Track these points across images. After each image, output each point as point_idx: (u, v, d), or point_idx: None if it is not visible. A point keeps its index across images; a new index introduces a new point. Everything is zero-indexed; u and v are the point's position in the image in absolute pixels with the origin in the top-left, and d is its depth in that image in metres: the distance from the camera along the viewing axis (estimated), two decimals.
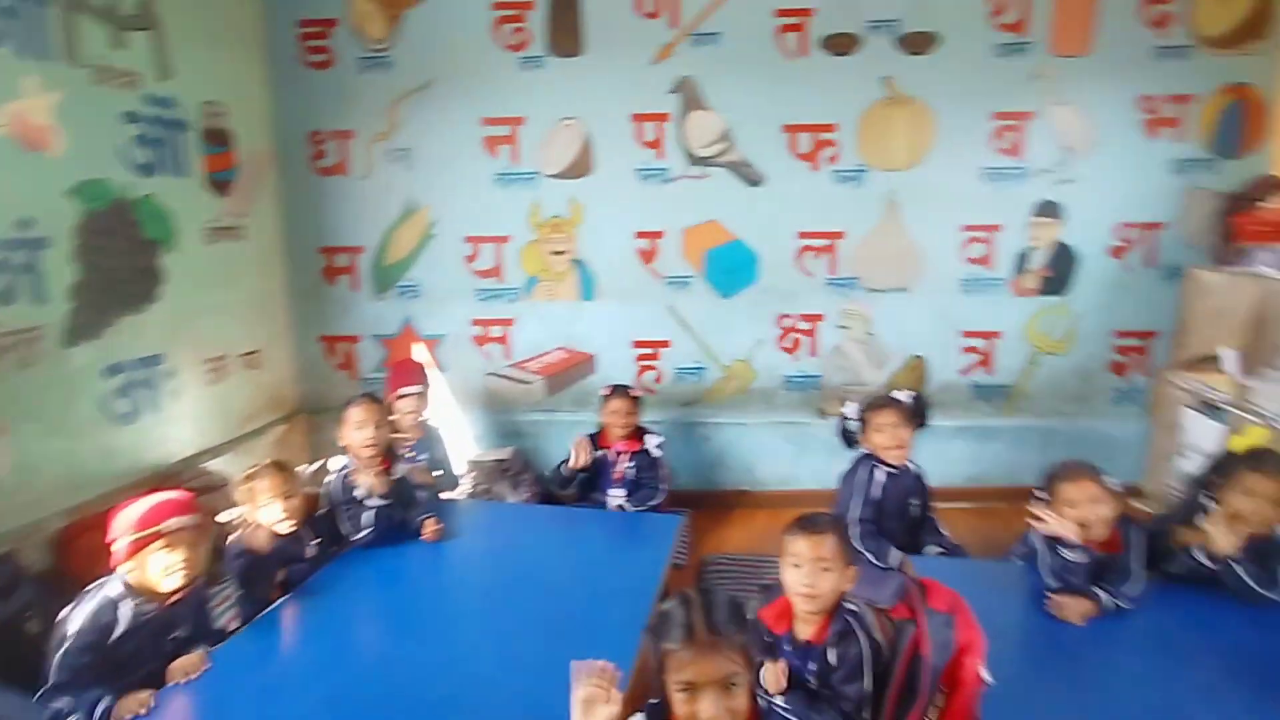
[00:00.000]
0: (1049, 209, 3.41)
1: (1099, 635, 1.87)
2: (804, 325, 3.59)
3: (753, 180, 3.49)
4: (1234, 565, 1.96)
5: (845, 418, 2.72)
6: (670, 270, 3.60)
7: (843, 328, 3.58)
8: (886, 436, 2.62)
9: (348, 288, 3.71)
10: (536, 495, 3.52)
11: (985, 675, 1.58)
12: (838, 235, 3.50)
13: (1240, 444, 2.12)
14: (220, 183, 3.22)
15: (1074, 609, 1.92)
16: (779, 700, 1.63)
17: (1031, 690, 1.71)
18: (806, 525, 1.71)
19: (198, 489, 2.64)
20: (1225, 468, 2.09)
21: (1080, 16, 3.23)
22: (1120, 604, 1.92)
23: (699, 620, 1.18)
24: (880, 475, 2.62)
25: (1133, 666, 1.79)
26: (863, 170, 3.43)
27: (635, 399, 3.12)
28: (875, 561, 2.50)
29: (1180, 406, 3.27)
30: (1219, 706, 1.62)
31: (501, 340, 3.75)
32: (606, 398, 3.12)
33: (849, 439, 2.72)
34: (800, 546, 1.68)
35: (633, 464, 3.08)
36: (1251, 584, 1.95)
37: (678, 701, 1.17)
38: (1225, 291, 3.04)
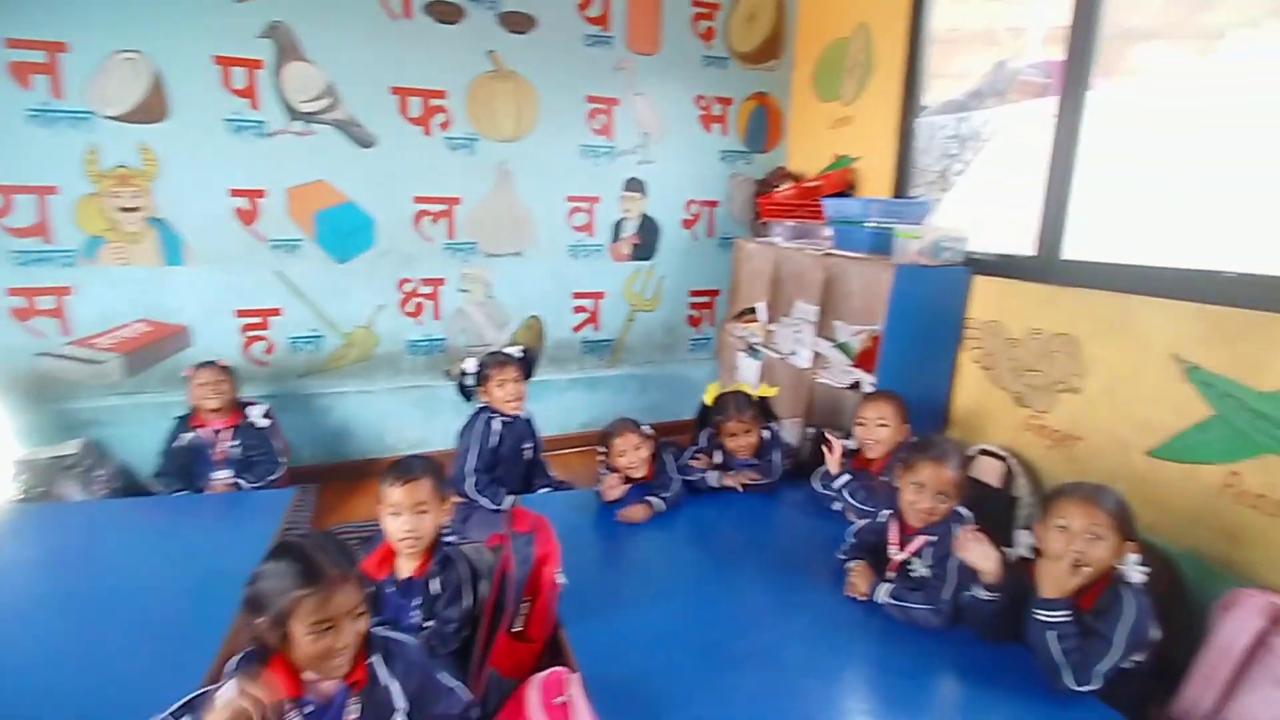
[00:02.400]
0: (635, 185, 3.96)
1: (651, 531, 2.38)
2: (425, 289, 3.66)
3: (364, 141, 3.40)
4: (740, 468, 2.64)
5: (464, 373, 2.88)
6: (276, 232, 3.35)
7: (464, 290, 3.73)
8: (505, 390, 2.84)
9: None
10: (118, 491, 3.04)
11: (559, 579, 1.88)
12: (454, 200, 3.61)
13: (710, 395, 2.79)
14: None
15: (634, 514, 2.43)
16: None
17: (602, 582, 2.07)
18: (401, 474, 1.81)
19: None
20: (706, 416, 2.77)
21: (649, 21, 3.78)
22: (665, 503, 2.50)
23: (325, 560, 1.23)
24: (497, 425, 2.84)
25: (674, 549, 2.29)
26: (474, 139, 3.58)
27: (225, 369, 2.90)
28: (491, 506, 2.73)
29: (736, 351, 4.13)
30: (727, 570, 2.17)
31: (55, 313, 3.11)
32: (190, 376, 2.86)
33: (467, 393, 2.89)
34: (397, 496, 1.78)
35: (236, 441, 2.86)
36: (759, 477, 2.64)
37: (308, 642, 1.22)
38: (758, 257, 3.89)
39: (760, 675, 1.68)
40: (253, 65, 3.17)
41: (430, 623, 1.82)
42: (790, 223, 3.55)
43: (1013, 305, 2.69)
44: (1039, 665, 1.63)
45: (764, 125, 4.14)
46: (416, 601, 1.83)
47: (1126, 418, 2.29)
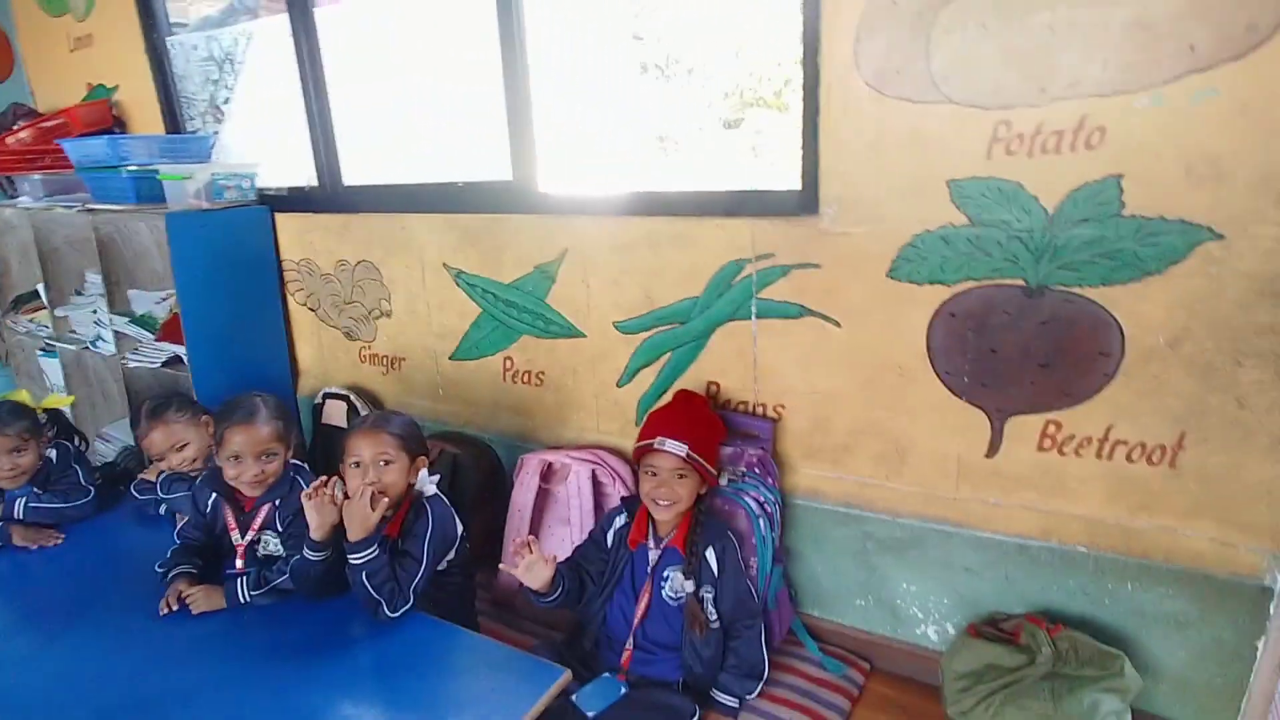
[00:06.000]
0: None
1: None
2: None
3: None
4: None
5: None
6: None
7: None
8: None
9: None
10: None
11: None
12: None
13: None
14: None
15: None
16: None
17: None
18: None
19: None
20: None
21: None
22: None
23: None
24: None
25: None
26: None
27: None
28: None
29: (34, 350, 3.16)
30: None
31: None
32: None
33: None
34: None
35: None
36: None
37: None
38: (18, 225, 2.95)
39: None
40: None
41: None
42: (38, 176, 2.73)
43: (317, 239, 2.57)
44: (361, 604, 1.59)
45: None
46: None
47: (429, 330, 2.42)
